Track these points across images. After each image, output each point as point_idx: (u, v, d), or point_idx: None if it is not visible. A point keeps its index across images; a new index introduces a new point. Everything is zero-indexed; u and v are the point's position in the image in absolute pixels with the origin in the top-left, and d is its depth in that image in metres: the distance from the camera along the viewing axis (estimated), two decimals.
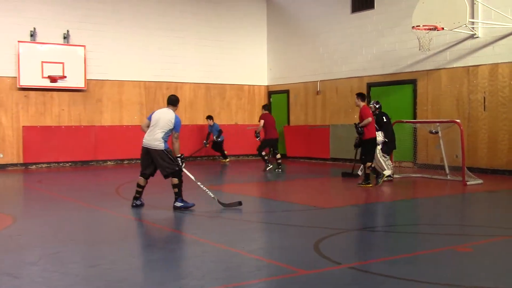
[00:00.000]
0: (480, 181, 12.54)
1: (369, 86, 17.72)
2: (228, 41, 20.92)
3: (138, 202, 9.40)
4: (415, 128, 15.12)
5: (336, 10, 18.84)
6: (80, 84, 17.91)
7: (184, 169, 9.25)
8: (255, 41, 21.65)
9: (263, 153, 15.69)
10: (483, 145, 14.59)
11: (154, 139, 9.04)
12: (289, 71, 20.94)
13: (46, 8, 17.60)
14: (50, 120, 17.70)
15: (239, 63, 21.23)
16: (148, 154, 9.15)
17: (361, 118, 12.00)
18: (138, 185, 9.38)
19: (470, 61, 14.88)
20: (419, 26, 13.75)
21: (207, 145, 19.39)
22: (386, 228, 8.11)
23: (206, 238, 7.06)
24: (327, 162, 18.76)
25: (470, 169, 13.62)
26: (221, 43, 20.77)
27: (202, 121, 20.29)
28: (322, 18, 19.42)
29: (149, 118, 9.29)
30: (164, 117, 9.18)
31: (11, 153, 16.99)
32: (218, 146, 19.37)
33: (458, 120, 13.20)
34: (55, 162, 17.68)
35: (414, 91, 16.36)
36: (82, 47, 17.91)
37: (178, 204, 9.08)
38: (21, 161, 16.97)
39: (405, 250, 6.48)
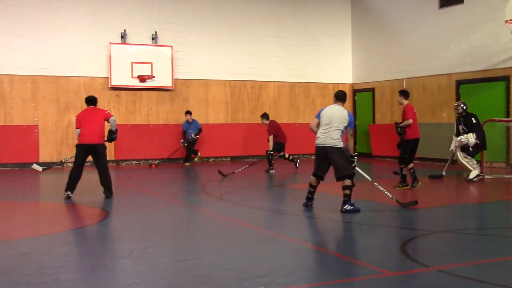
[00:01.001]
0: None
1: (458, 83, 17.13)
2: (312, 39, 20.85)
3: (310, 203, 9.00)
4: (507, 127, 14.47)
5: (423, 6, 18.34)
6: (168, 83, 18.43)
7: (357, 168, 8.93)
8: (340, 39, 21.45)
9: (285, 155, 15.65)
10: None
11: (331, 137, 8.61)
12: (374, 69, 20.60)
13: (135, 11, 18.24)
14: (140, 118, 18.32)
15: (323, 62, 21.11)
16: (325, 153, 8.68)
17: (403, 117, 11.40)
18: (311, 185, 8.97)
19: None
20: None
21: (185, 145, 17.73)
22: (476, 230, 7.82)
23: (293, 237, 7.07)
24: (414, 161, 18.27)
25: None
26: (305, 41, 20.73)
27: (286, 119, 20.35)
28: (409, 15, 18.97)
29: (318, 116, 8.82)
30: (338, 114, 8.69)
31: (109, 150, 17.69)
32: (191, 144, 17.89)
33: None
34: (144, 159, 18.28)
35: (507, 88, 15.66)
36: (170, 48, 18.41)
37: (348, 207, 8.56)
38: (113, 158, 17.63)
39: (497, 254, 6.23)
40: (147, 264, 5.81)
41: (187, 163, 17.75)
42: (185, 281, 5.25)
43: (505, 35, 14.61)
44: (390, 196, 9.22)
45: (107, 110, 10.85)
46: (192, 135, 17.66)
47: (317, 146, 8.80)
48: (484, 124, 13.36)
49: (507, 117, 15.37)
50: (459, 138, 12.57)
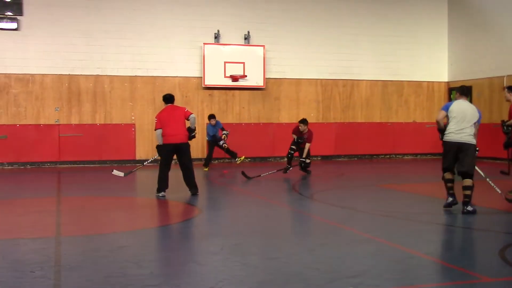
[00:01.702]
0: None
1: None
2: (405, 36, 20.34)
3: (454, 200, 8.80)
4: None
5: None
6: (260, 83, 18.60)
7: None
8: (435, 35, 20.79)
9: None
10: None
11: (467, 134, 8.65)
12: (471, 66, 19.80)
13: (229, 11, 18.55)
14: (232, 117, 18.61)
15: (418, 59, 20.54)
16: (457, 149, 8.68)
17: (510, 115, 10.58)
18: (448, 180, 8.90)
19: None
20: None
21: (225, 145, 15.78)
22: None
23: (382, 237, 6.94)
24: None
25: None
26: (398, 38, 20.26)
27: (379, 119, 20.01)
28: (509, 8, 18.07)
29: (446, 109, 8.80)
30: (471, 110, 8.73)
31: (196, 148, 18.12)
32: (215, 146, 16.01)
33: None
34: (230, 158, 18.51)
35: None
36: (262, 47, 18.57)
37: (470, 208, 8.43)
38: (204, 156, 17.99)
39: None
40: (238, 261, 5.89)
41: (206, 168, 15.74)
42: (275, 279, 5.28)
43: None
44: (500, 192, 9.12)
45: (186, 108, 10.82)
46: (223, 137, 15.72)
47: (449, 141, 8.74)
48: None
49: None
50: None
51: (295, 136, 14.26)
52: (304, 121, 14.05)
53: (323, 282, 5.14)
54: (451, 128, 8.69)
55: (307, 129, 14.01)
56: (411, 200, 10.26)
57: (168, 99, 10.62)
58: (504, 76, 18.19)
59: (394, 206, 9.54)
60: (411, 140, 20.11)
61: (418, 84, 20.65)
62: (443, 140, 8.82)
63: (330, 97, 19.57)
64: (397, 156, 20.13)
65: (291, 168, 14.12)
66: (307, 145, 13.95)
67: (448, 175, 8.86)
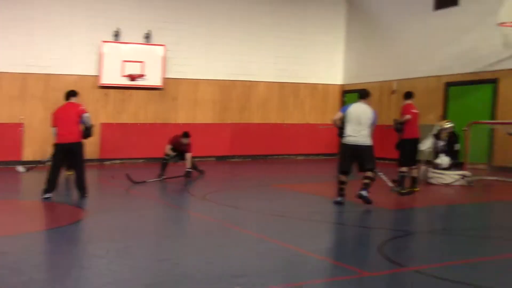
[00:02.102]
0: None
1: (448, 85, 17.17)
2: (303, 39, 20.78)
3: (340, 199, 9.27)
4: (492, 129, 14.54)
5: (418, 7, 18.33)
6: (158, 82, 18.35)
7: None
8: (332, 39, 21.38)
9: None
10: None
11: (363, 135, 9.14)
12: (365, 70, 20.59)
13: (130, 9, 18.10)
14: (127, 117, 18.24)
15: (314, 62, 21.03)
16: (354, 151, 9.12)
17: (402, 114, 11.46)
18: (342, 182, 9.30)
19: None
20: (505, 22, 13.16)
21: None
22: (453, 231, 7.81)
23: (273, 237, 7.05)
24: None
25: None
26: (296, 41, 20.67)
27: (275, 120, 20.34)
28: (403, 16, 18.94)
29: (344, 111, 9.33)
30: (365, 114, 9.24)
31: (89, 149, 17.60)
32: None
33: None
34: (128, 159, 18.16)
35: (494, 91, 15.70)
36: (162, 47, 18.31)
37: (365, 193, 9.05)
38: (98, 157, 17.53)
39: (473, 255, 6.25)
40: (126, 264, 5.79)
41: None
42: (163, 280, 5.23)
43: (496, 38, 14.63)
44: (391, 185, 10.02)
45: (81, 105, 10.35)
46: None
47: (347, 144, 9.19)
48: (470, 126, 13.42)
49: (492, 119, 15.42)
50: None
51: (169, 146, 13.69)
52: (187, 135, 13.59)
53: (211, 282, 5.15)
54: (348, 131, 9.15)
55: (187, 142, 13.56)
56: (303, 200, 10.50)
57: (67, 95, 10.27)
58: (393, 80, 19.08)
59: (287, 206, 9.71)
60: (304, 140, 20.59)
61: (314, 86, 21.19)
62: (342, 142, 9.28)
63: (228, 98, 19.66)
64: (291, 156, 20.55)
65: (164, 177, 13.10)
66: (188, 155, 13.52)
67: (342, 178, 9.26)
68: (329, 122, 20.83)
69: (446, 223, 8.63)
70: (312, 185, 12.79)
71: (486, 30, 15.67)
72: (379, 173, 10.01)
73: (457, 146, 12.96)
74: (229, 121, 19.69)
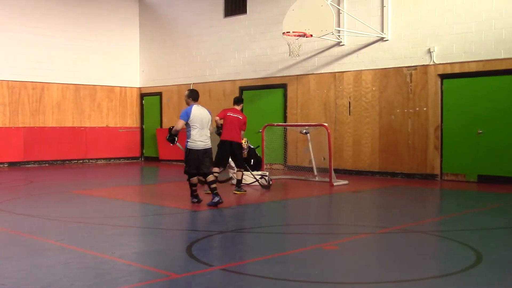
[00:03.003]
0: (345, 182, 13.18)
1: (242, 89, 18.00)
2: (98, 41, 20.32)
3: (195, 200, 9.86)
4: (285, 131, 15.60)
5: (209, 14, 18.96)
6: None
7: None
8: (127, 42, 21.21)
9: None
10: (348, 147, 15.35)
11: (208, 138, 9.71)
12: (162, 73, 20.76)
13: None
14: None
15: (110, 64, 20.69)
16: (203, 154, 9.56)
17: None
18: (194, 184, 9.84)
19: (336, 67, 15.60)
20: (289, 32, 14.14)
21: None
22: (257, 229, 8.25)
23: (73, 245, 6.79)
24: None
25: (337, 170, 14.33)
26: (91, 43, 20.13)
27: (71, 123, 19.55)
28: (195, 21, 19.46)
29: (185, 117, 9.52)
30: (207, 115, 9.73)
31: None
32: None
33: (325, 124, 13.77)
34: None
35: (285, 95, 16.85)
36: None
37: (218, 199, 9.57)
38: None
39: (275, 250, 6.64)
40: None
41: None
42: None
43: (282, 46, 15.69)
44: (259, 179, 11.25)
45: None
46: None
47: (197, 149, 9.54)
48: (264, 128, 14.22)
49: (285, 122, 16.55)
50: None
51: None
52: None
53: None
54: (196, 137, 9.51)
55: None
56: (103, 205, 10.27)
57: None
58: (190, 84, 19.47)
59: (87, 211, 9.46)
60: (104, 144, 20.15)
61: (111, 89, 20.79)
62: (188, 148, 9.55)
63: (18, 100, 18.43)
64: (91, 161, 19.96)
65: None
66: None
67: (194, 180, 9.81)
68: (128, 125, 20.92)
69: (248, 221, 9.04)
70: (111, 190, 12.55)
71: (272, 39, 16.77)
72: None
73: (253, 161, 13.58)
74: (21, 125, 18.48)
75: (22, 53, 18.45)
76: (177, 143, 10.23)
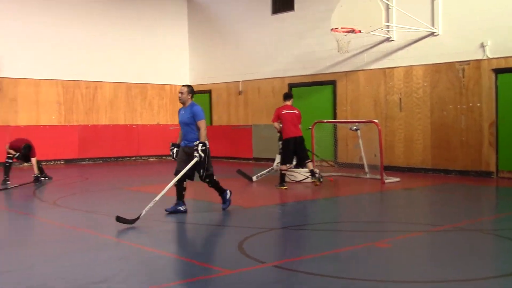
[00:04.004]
0: (397, 179, 13.01)
1: (291, 86, 17.97)
2: (148, 40, 20.65)
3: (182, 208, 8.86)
4: (335, 128, 15.51)
5: (257, 11, 19.00)
6: None
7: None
8: (177, 40, 21.49)
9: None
10: (399, 144, 15.14)
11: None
12: (211, 71, 20.92)
13: None
14: None
15: (161, 63, 21.00)
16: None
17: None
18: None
19: (386, 63, 15.41)
20: (337, 28, 14.06)
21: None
22: (308, 226, 8.25)
23: (128, 240, 6.94)
24: (250, 162, 18.90)
25: (388, 167, 14.17)
26: (142, 41, 20.47)
27: (123, 121, 19.96)
28: (243, 19, 19.54)
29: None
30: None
31: None
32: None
33: (376, 120, 13.62)
34: None
35: (334, 92, 16.75)
36: None
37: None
38: None
39: (327, 248, 6.63)
40: None
41: None
42: None
43: (331, 43, 15.58)
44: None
45: None
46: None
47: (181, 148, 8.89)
48: (314, 125, 14.17)
49: (334, 119, 16.45)
50: None
51: (11, 150, 12.86)
52: (27, 148, 12.77)
53: None
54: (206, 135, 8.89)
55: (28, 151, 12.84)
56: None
57: None
58: (239, 81, 19.57)
59: (140, 207, 9.55)
60: (156, 142, 20.47)
61: (161, 87, 21.11)
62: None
63: (72, 99, 18.92)
64: (143, 158, 20.32)
65: (9, 182, 12.47)
66: (34, 160, 12.92)
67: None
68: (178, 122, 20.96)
69: (300, 218, 9.05)
70: (163, 186, 12.69)
71: (321, 35, 16.67)
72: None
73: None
74: (75, 123, 18.99)
75: (76, 53, 18.92)
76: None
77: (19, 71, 17.84)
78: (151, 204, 8.06)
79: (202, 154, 8.44)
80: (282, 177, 11.88)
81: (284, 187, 11.71)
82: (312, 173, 11.95)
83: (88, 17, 19.26)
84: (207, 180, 8.85)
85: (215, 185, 9.01)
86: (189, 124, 8.71)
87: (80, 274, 5.48)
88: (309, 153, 12.65)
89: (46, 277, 5.37)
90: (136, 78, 20.39)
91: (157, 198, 8.15)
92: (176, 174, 8.61)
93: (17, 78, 17.84)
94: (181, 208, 8.78)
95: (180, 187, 8.79)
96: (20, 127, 17.58)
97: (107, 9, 19.69)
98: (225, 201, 9.09)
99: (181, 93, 8.92)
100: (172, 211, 8.70)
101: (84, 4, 19.18)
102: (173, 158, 9.00)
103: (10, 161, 12.74)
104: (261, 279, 5.30)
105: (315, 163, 13.98)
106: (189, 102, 8.90)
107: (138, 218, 7.78)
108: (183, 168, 8.52)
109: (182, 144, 8.84)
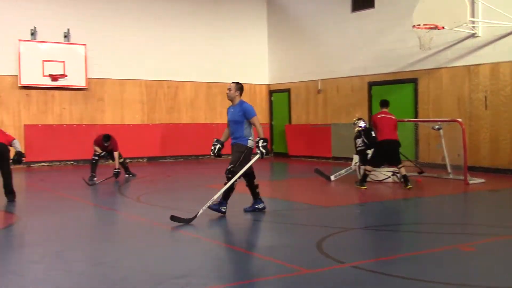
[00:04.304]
0: (482, 180, 12.55)
1: (370, 85, 17.71)
2: (228, 39, 20.90)
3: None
4: (416, 127, 15.15)
5: (336, 9, 18.83)
6: (82, 82, 17.92)
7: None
8: (256, 40, 21.63)
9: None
10: (485, 144, 14.59)
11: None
12: (289, 70, 20.93)
13: (47, 7, 17.59)
14: (52, 118, 17.71)
15: (240, 62, 21.20)
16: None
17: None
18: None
19: (471, 60, 14.87)
20: (419, 25, 13.70)
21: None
22: (389, 227, 8.10)
23: (209, 237, 7.06)
24: (329, 161, 18.77)
25: (472, 168, 13.66)
26: (221, 41, 20.75)
27: (203, 120, 20.33)
28: (322, 17, 19.41)
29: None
30: None
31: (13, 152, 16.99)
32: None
33: (459, 119, 13.19)
34: (57, 161, 17.70)
35: (415, 90, 16.35)
36: (83, 46, 17.91)
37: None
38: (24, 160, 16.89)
39: (408, 249, 6.49)
40: (61, 269, 5.63)
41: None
42: (101, 285, 5.13)
43: (412, 39, 15.22)
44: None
45: (9, 136, 10.29)
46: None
47: (251, 148, 8.66)
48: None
49: (415, 117, 16.06)
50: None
51: (97, 148, 13.40)
52: (107, 138, 13.24)
53: (150, 284, 5.09)
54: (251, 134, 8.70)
55: (109, 144, 13.30)
56: (235, 199, 10.50)
57: None
58: (318, 80, 19.47)
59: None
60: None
61: None
62: (250, 147, 8.66)
63: (155, 98, 19.46)
64: (223, 156, 20.56)
65: (95, 178, 12.99)
66: (116, 154, 13.34)
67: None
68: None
69: (380, 218, 8.90)
70: (243, 184, 12.82)
71: (402, 32, 16.30)
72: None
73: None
74: (157, 122, 19.52)
75: (158, 53, 19.44)
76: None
77: (106, 72, 18.53)
78: (209, 203, 8.12)
79: (264, 151, 8.25)
80: (365, 177, 11.70)
81: (364, 187, 11.52)
82: (406, 178, 11.48)
83: (170, 19, 19.73)
84: (230, 175, 8.40)
85: (230, 185, 8.41)
86: (240, 122, 8.53)
87: (161, 268, 5.63)
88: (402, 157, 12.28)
89: (129, 271, 5.56)
90: (216, 78, 20.69)
91: (215, 197, 8.17)
92: (229, 173, 8.38)
93: (103, 79, 18.54)
94: (259, 206, 8.74)
95: (250, 186, 8.68)
96: (106, 126, 18.24)
97: (188, 11, 20.09)
98: (253, 207, 8.67)
99: (229, 89, 8.79)
100: (251, 210, 8.68)
101: (165, 7, 19.66)
102: (213, 153, 8.85)
103: (96, 158, 13.26)
104: (339, 279, 5.25)
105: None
106: (237, 99, 8.75)
107: (195, 217, 7.85)
108: (237, 167, 8.32)
109: (232, 142, 8.63)
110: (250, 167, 8.51)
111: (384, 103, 12.21)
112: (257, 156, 8.38)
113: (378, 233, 7.55)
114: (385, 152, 11.73)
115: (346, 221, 8.37)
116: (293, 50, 20.72)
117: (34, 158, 17.20)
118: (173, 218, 7.73)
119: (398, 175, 12.07)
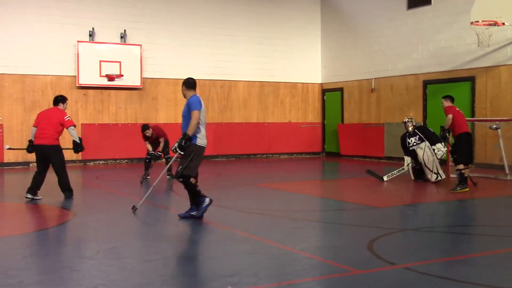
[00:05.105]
0: None
1: (425, 83, 17.36)
2: (281, 38, 20.90)
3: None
4: (473, 126, 14.75)
5: (392, 6, 18.55)
6: (137, 82, 18.28)
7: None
8: (309, 38, 21.55)
9: None
10: None
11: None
12: (343, 69, 20.76)
13: (104, 9, 18.04)
14: (108, 118, 18.13)
15: (292, 61, 21.18)
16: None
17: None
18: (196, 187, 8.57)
19: None
20: (478, 21, 13.36)
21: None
22: (442, 228, 7.93)
23: (258, 236, 7.07)
24: (382, 160, 18.51)
25: None
26: (274, 41, 20.76)
27: (255, 119, 20.39)
28: (377, 15, 19.16)
29: (200, 106, 8.24)
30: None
31: (71, 151, 17.46)
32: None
33: None
34: (112, 159, 18.11)
35: (472, 89, 15.94)
36: (138, 46, 18.27)
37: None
38: (80, 158, 17.40)
39: (462, 251, 6.33)
40: (114, 264, 5.75)
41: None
42: (151, 281, 5.20)
43: (470, 37, 14.85)
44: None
45: (67, 116, 10.17)
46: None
47: (203, 146, 8.37)
48: None
49: (472, 117, 15.64)
50: (437, 151, 12.40)
51: (148, 146, 13.44)
52: (145, 128, 13.34)
53: (201, 282, 5.14)
54: (203, 132, 8.40)
55: (151, 132, 13.29)
56: (286, 198, 10.54)
57: (55, 101, 10.39)
58: (372, 79, 19.24)
59: (271, 204, 9.77)
60: (287, 140, 20.71)
61: (293, 85, 21.28)
62: (198, 145, 8.33)
63: (208, 97, 19.64)
64: (274, 155, 20.62)
65: (149, 177, 13.02)
66: (161, 139, 13.28)
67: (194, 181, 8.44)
68: (310, 121, 21.30)
69: (432, 220, 8.72)
70: (294, 184, 12.84)
71: (459, 29, 15.92)
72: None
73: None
74: (210, 121, 19.68)
75: (211, 53, 19.62)
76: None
77: (160, 72, 18.84)
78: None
79: (179, 150, 7.71)
80: (462, 177, 10.76)
81: (466, 189, 10.71)
82: (465, 180, 10.79)
83: (223, 19, 19.88)
84: (181, 179, 7.95)
85: (190, 189, 8.03)
86: (186, 117, 8.06)
87: (212, 266, 5.67)
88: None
89: (179, 268, 5.63)
90: (269, 77, 20.72)
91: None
92: (179, 177, 7.99)
93: (158, 78, 18.86)
94: (194, 213, 8.10)
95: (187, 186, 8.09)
96: (159, 125, 18.51)
97: (241, 10, 20.20)
98: (198, 208, 8.05)
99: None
100: (187, 217, 8.11)
101: (218, 7, 19.82)
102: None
103: (149, 157, 13.39)
104: (390, 280, 5.17)
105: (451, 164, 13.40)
106: (190, 94, 8.27)
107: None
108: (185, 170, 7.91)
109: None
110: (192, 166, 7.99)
111: (453, 98, 11.73)
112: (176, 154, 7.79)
113: (431, 234, 7.40)
114: (470, 145, 11.17)
115: (398, 222, 8.24)
116: (347, 49, 20.54)
117: (90, 157, 17.66)
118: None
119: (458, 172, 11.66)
